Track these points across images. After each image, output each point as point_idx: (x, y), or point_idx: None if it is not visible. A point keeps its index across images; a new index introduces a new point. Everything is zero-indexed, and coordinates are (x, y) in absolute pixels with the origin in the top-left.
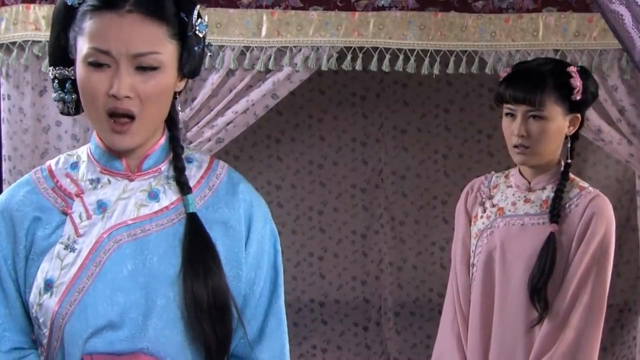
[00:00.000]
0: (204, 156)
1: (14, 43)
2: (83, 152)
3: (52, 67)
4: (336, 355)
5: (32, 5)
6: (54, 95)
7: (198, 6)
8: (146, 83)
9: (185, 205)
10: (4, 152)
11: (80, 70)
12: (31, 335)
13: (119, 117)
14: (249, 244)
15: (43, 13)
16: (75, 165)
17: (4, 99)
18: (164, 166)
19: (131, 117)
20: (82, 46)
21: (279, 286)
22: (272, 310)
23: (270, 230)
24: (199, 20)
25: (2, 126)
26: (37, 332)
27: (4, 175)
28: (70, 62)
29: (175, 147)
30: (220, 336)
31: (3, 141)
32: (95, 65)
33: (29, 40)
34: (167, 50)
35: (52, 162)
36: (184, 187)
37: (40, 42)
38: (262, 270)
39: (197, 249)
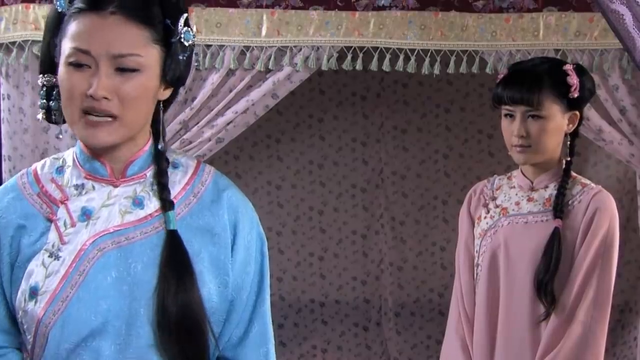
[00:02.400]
0: (190, 161)
1: (13, 43)
2: (69, 155)
3: (41, 75)
4: (336, 355)
5: (31, 5)
6: (39, 102)
7: (186, 15)
8: (126, 84)
9: (166, 222)
10: (4, 152)
11: (61, 70)
12: (17, 336)
13: (97, 116)
14: (235, 251)
15: (43, 13)
16: (60, 170)
17: (3, 98)
18: (149, 172)
19: (113, 116)
20: (65, 47)
21: (265, 291)
22: (256, 315)
23: (257, 234)
24: (186, 28)
25: (2, 126)
26: (23, 337)
27: (4, 175)
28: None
29: (159, 162)
30: (190, 356)
31: (3, 141)
32: (75, 65)
33: (28, 40)
34: (148, 54)
35: (37, 166)
36: (165, 204)
37: (40, 41)
38: (249, 275)
39: (173, 266)
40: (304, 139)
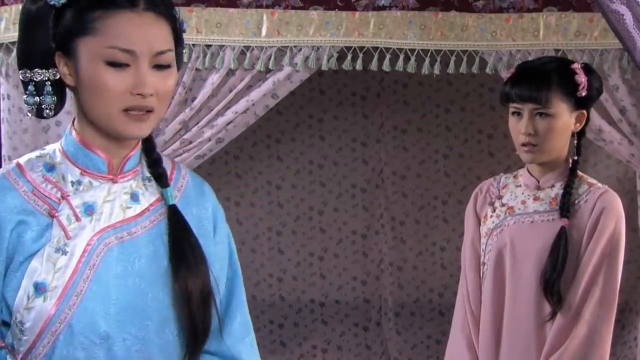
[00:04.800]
0: (166, 157)
1: (13, 43)
2: (54, 152)
3: (26, 70)
4: (336, 355)
5: None
6: (28, 99)
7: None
8: (164, 81)
9: (165, 198)
10: (3, 152)
11: (92, 69)
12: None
13: (139, 111)
14: (215, 243)
15: None
16: (51, 168)
17: (3, 98)
18: (139, 167)
19: (150, 110)
20: (94, 46)
21: (241, 283)
22: (238, 306)
23: (227, 230)
24: (182, 19)
25: (2, 126)
26: (14, 338)
27: None
28: (48, 64)
29: (151, 140)
30: (207, 323)
31: (3, 141)
32: (114, 64)
33: None
34: (173, 48)
35: (22, 164)
36: (162, 179)
37: None
38: (224, 270)
39: (184, 242)
40: (304, 139)
